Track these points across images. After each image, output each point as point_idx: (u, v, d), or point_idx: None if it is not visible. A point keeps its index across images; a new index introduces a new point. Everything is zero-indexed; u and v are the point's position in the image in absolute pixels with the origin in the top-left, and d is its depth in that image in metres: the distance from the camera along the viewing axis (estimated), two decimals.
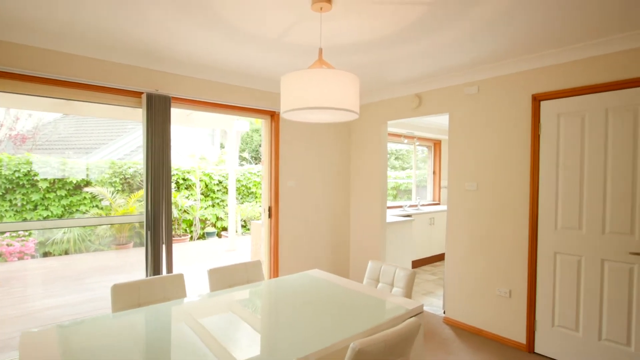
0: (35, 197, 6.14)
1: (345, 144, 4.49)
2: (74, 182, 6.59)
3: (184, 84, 3.13)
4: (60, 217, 6.36)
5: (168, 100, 2.92)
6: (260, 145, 13.10)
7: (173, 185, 8.32)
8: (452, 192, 3.43)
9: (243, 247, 7.47)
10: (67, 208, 6.48)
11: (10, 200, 5.92)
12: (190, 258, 6.58)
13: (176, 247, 7.44)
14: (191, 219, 8.43)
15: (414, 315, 1.79)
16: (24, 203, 6.03)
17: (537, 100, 2.83)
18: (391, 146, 7.82)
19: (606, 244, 2.49)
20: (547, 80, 2.79)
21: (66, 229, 6.38)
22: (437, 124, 5.89)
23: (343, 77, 1.74)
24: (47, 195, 6.28)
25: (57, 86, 2.55)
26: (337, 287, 2.18)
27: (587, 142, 2.58)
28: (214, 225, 8.94)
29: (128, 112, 4.75)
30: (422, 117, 4.14)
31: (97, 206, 6.86)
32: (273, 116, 3.78)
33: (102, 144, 8.70)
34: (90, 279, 5.28)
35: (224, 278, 2.27)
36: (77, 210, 6.58)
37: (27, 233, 6.00)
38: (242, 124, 7.24)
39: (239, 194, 9.39)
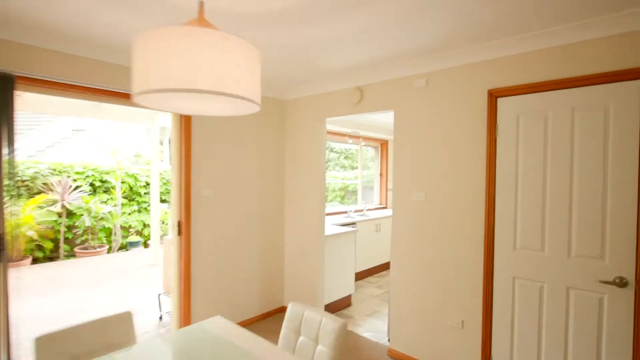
0: None
1: (279, 143, 3.82)
2: None
3: (38, 58, 2.26)
4: None
5: (10, 81, 2.07)
6: None
7: (87, 187, 7.11)
8: (397, 204, 2.92)
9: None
10: None
11: None
12: (100, 276, 5.51)
13: (86, 262, 6.30)
14: (110, 226, 7.27)
15: None
16: None
17: (493, 96, 2.39)
18: (339, 145, 7.33)
19: (572, 269, 2.10)
20: (505, 74, 2.35)
21: None
22: (383, 122, 5.46)
23: (235, 44, 1.10)
24: None
25: None
26: (231, 352, 1.52)
27: (551, 147, 2.17)
28: (140, 234, 7.84)
29: None
30: (366, 115, 3.60)
31: None
32: None
33: None
34: None
35: (65, 348, 1.51)
36: None
37: None
38: (167, 119, 6.26)
39: (169, 196, 8.35)
